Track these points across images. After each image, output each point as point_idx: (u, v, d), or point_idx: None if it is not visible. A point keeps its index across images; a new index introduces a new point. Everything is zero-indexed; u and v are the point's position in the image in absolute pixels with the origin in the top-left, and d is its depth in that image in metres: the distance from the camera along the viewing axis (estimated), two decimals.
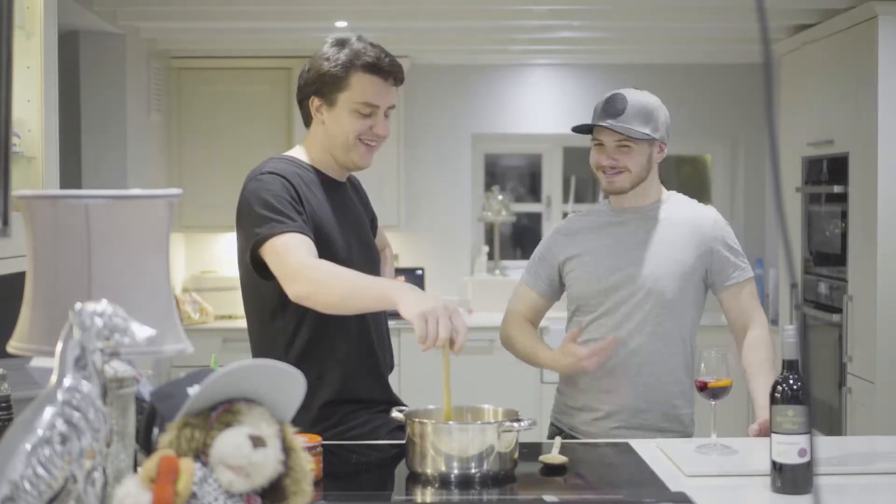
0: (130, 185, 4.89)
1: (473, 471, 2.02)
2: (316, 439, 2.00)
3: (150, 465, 1.33)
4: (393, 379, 2.56)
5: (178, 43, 5.53)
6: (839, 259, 4.46)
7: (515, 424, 2.04)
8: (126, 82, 4.91)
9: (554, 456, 2.20)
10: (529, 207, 6.36)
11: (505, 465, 2.05)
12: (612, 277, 2.60)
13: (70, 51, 4.80)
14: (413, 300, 2.04)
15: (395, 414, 2.21)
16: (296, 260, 2.18)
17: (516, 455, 2.08)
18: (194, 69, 5.73)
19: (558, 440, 2.35)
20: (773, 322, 5.38)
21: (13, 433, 1.24)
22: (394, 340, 2.62)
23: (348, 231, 2.42)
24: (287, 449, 1.41)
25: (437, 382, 2.11)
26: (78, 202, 1.40)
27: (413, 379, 5.01)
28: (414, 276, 5.81)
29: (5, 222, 2.33)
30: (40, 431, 1.23)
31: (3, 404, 1.81)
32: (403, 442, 2.13)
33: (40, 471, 1.22)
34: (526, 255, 2.83)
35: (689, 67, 6.06)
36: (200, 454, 1.36)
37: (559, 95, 6.14)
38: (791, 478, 1.94)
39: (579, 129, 2.65)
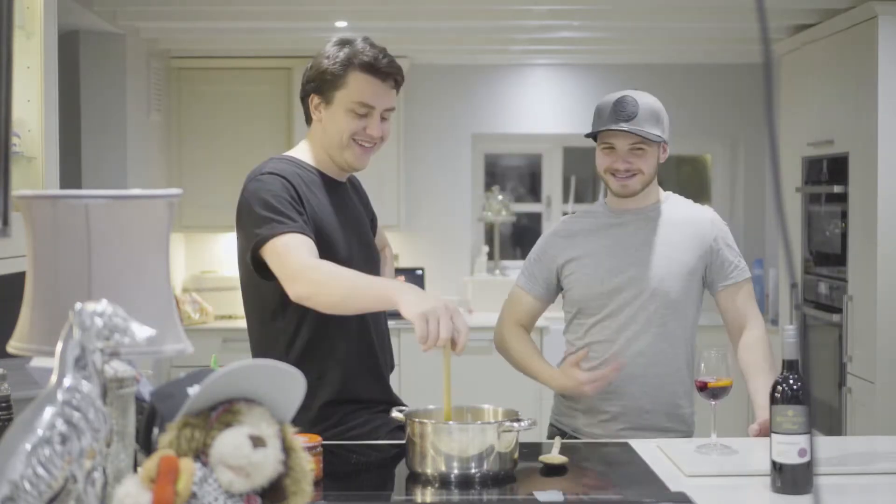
0: (130, 185, 4.89)
1: (473, 471, 2.02)
2: (316, 439, 2.00)
3: (150, 465, 1.33)
4: (393, 379, 2.56)
5: (178, 43, 5.53)
6: (839, 259, 4.46)
7: (515, 424, 2.04)
8: (126, 82, 4.91)
9: (554, 456, 2.20)
10: (529, 207, 6.36)
11: (505, 465, 2.05)
12: (615, 279, 2.60)
13: (70, 51, 4.81)
14: (413, 300, 2.04)
15: (395, 414, 2.21)
16: (297, 260, 2.18)
17: (516, 455, 2.08)
18: (194, 69, 5.73)
19: (558, 440, 2.35)
20: (773, 322, 5.38)
21: (13, 433, 1.24)
22: (394, 340, 2.62)
23: (349, 231, 2.42)
24: (287, 449, 1.41)
25: (438, 382, 2.11)
26: (78, 202, 1.40)
27: (413, 379, 5.01)
28: (414, 276, 5.81)
29: (5, 222, 2.33)
30: (40, 431, 1.23)
31: (3, 404, 1.81)
32: (403, 442, 2.13)
33: (40, 471, 1.22)
34: (526, 255, 2.81)
35: (689, 67, 6.06)
36: (200, 454, 1.36)
37: (559, 95, 6.14)
38: (791, 478, 1.94)
39: (592, 134, 2.62)
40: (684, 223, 2.66)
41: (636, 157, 2.57)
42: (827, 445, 2.43)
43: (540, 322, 5.16)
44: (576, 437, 2.63)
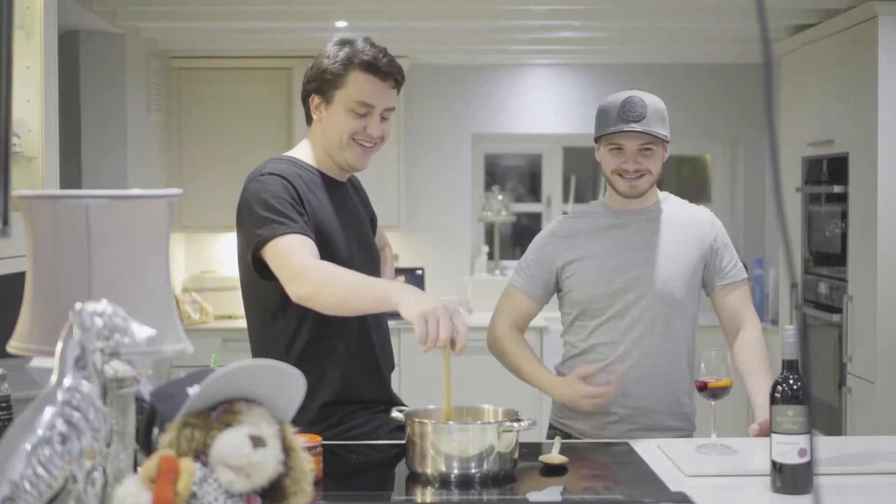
0: (130, 185, 4.89)
1: (473, 471, 2.02)
2: (316, 439, 2.00)
3: (150, 465, 1.33)
4: (393, 379, 2.56)
5: (178, 43, 5.53)
6: (839, 259, 4.46)
7: (515, 424, 2.04)
8: (126, 82, 4.91)
9: (554, 456, 2.20)
10: (529, 207, 6.37)
11: (505, 465, 2.05)
12: (620, 280, 2.59)
13: (70, 51, 4.81)
14: (413, 301, 2.04)
15: (395, 414, 2.21)
16: (297, 261, 2.18)
17: (516, 455, 2.08)
18: (194, 69, 5.73)
19: (558, 440, 2.35)
20: (773, 322, 5.38)
21: (13, 433, 1.24)
22: (394, 340, 2.62)
23: (349, 231, 2.42)
24: (287, 449, 1.41)
25: (437, 382, 2.11)
26: (78, 202, 1.40)
27: (413, 379, 5.01)
28: (414, 276, 5.81)
29: (5, 222, 2.33)
30: (40, 431, 1.23)
31: (3, 404, 1.81)
32: (403, 442, 2.13)
33: (40, 471, 1.22)
34: None
35: (689, 67, 6.06)
36: (200, 454, 1.36)
37: (559, 95, 6.14)
38: (791, 478, 1.94)
39: (599, 135, 2.61)
40: (685, 223, 2.66)
41: (645, 158, 2.56)
42: (827, 445, 2.43)
43: (539, 322, 5.23)
44: (578, 439, 2.62)
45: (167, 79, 5.67)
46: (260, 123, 5.70)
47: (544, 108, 6.14)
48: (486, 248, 6.14)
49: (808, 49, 4.77)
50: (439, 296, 2.26)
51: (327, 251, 2.28)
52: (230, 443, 1.34)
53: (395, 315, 2.11)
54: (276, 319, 2.36)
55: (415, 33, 5.20)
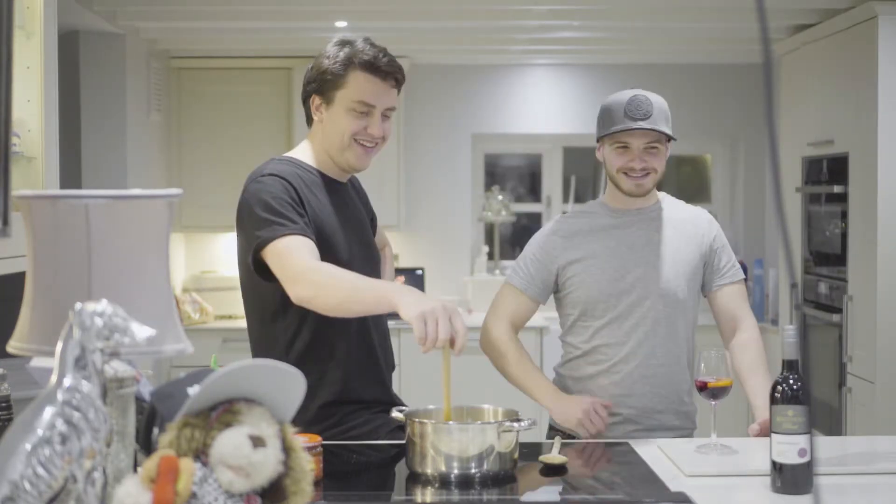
0: (130, 185, 4.89)
1: (473, 471, 2.02)
2: (316, 439, 2.00)
3: (150, 465, 1.33)
4: (393, 379, 2.56)
5: (178, 43, 5.53)
6: (839, 259, 4.46)
7: (515, 424, 2.04)
8: (126, 82, 4.91)
9: (554, 456, 2.20)
10: (529, 207, 6.37)
11: (505, 465, 2.05)
12: (622, 280, 2.58)
13: (70, 51, 4.81)
14: (412, 301, 2.04)
15: (395, 414, 2.21)
16: (298, 262, 2.18)
17: (516, 455, 2.08)
18: (194, 69, 5.73)
19: (558, 440, 2.35)
20: (773, 322, 5.38)
21: (13, 433, 1.24)
22: (394, 340, 2.62)
23: (349, 231, 2.42)
24: (287, 449, 1.41)
25: (437, 382, 2.11)
26: (78, 202, 1.40)
27: (413, 379, 5.01)
28: (414, 276, 5.81)
29: (5, 222, 2.33)
30: (40, 431, 1.23)
31: (3, 404, 1.81)
32: (403, 442, 2.13)
33: (40, 471, 1.22)
34: None
35: (689, 67, 6.06)
36: (200, 454, 1.36)
37: (559, 95, 6.14)
38: (791, 478, 1.94)
39: (605, 133, 2.61)
40: (685, 223, 2.66)
41: (651, 156, 2.56)
42: (827, 445, 2.43)
43: (539, 322, 5.23)
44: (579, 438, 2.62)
45: (167, 79, 5.67)
46: (260, 123, 5.70)
47: (544, 108, 6.14)
48: (486, 248, 6.14)
49: (808, 49, 4.77)
50: (439, 296, 2.25)
51: (328, 252, 2.28)
52: (230, 443, 1.34)
53: (395, 315, 2.11)
54: (276, 320, 2.36)
55: (415, 33, 5.20)
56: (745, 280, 2.80)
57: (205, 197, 5.52)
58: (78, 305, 1.29)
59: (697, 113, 6.05)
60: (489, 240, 6.22)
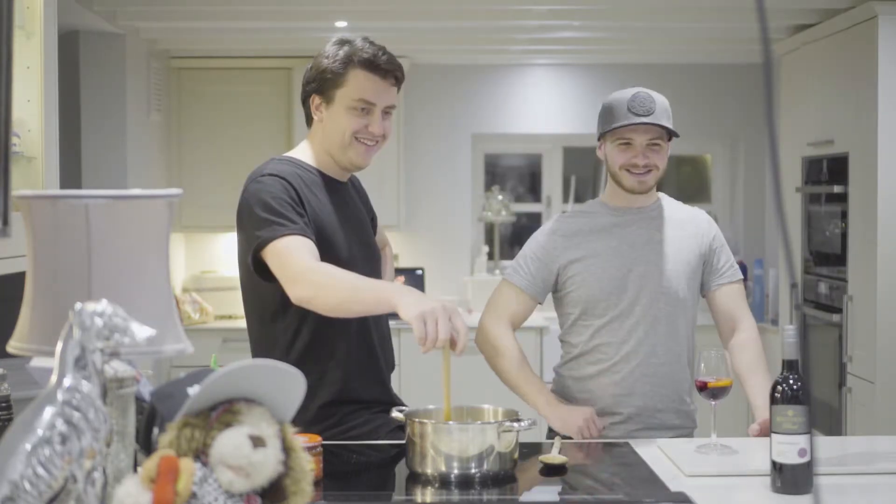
0: (130, 185, 4.89)
1: (473, 471, 2.02)
2: (316, 439, 2.00)
3: (150, 465, 1.33)
4: (393, 379, 2.56)
5: (178, 43, 5.53)
6: (839, 259, 4.46)
7: (515, 424, 2.04)
8: (126, 82, 4.91)
9: (554, 456, 2.20)
10: (529, 207, 6.37)
11: (505, 465, 2.05)
12: (623, 279, 2.58)
13: (70, 51, 4.81)
14: (412, 302, 2.04)
15: (395, 414, 2.21)
16: (298, 263, 2.18)
17: (516, 455, 2.08)
18: (194, 69, 5.73)
19: (558, 440, 2.35)
20: (773, 322, 5.38)
21: (13, 433, 1.24)
22: (394, 340, 2.62)
23: (349, 231, 2.42)
24: (287, 449, 1.41)
25: (437, 382, 2.11)
26: (78, 202, 1.40)
27: (413, 379, 5.01)
28: (414, 276, 5.81)
29: (5, 222, 2.33)
30: (40, 431, 1.23)
31: (3, 404, 1.81)
32: (403, 442, 2.13)
33: (40, 471, 1.22)
34: None
35: (689, 67, 6.06)
36: (200, 454, 1.36)
37: (559, 95, 6.14)
38: (791, 478, 1.94)
39: (609, 129, 2.60)
40: (684, 222, 2.67)
41: (653, 153, 2.57)
42: (827, 445, 2.43)
43: (539, 322, 5.22)
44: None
45: (167, 79, 5.67)
46: (260, 123, 5.70)
47: (544, 108, 6.14)
48: (486, 248, 6.14)
49: (808, 49, 4.77)
50: (439, 296, 2.26)
51: (328, 251, 2.28)
52: (230, 443, 1.34)
53: (395, 316, 2.11)
54: (276, 320, 2.36)
55: (415, 33, 5.20)
56: (745, 280, 2.80)
57: (205, 197, 5.52)
58: (78, 305, 1.29)
59: (697, 113, 6.05)
60: (489, 240, 6.22)
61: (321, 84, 2.38)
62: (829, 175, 4.55)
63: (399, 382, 4.82)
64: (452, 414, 2.12)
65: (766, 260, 5.85)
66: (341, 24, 4.83)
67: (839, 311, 4.40)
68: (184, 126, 5.73)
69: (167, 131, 5.67)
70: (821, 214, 4.66)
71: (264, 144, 5.49)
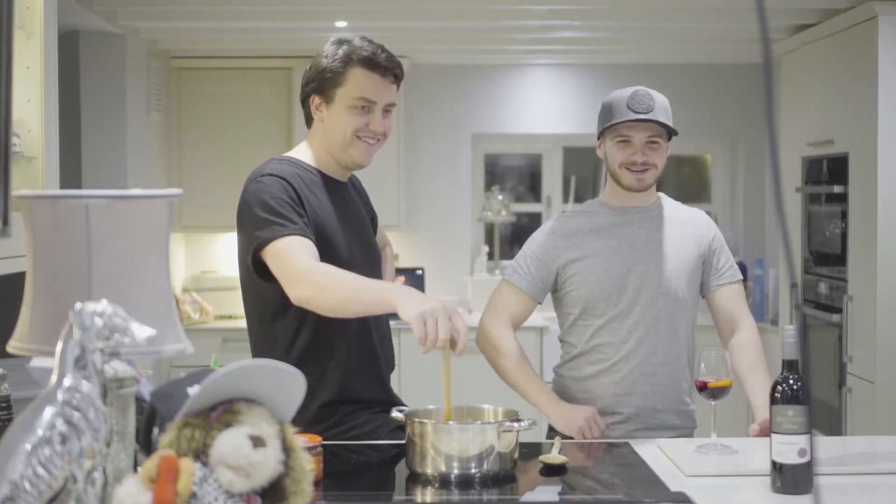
0: (130, 185, 4.89)
1: (473, 471, 2.02)
2: (316, 439, 2.00)
3: (150, 465, 1.33)
4: (393, 379, 2.56)
5: (178, 43, 5.53)
6: (839, 259, 4.46)
7: (515, 424, 2.04)
8: (126, 82, 4.91)
9: (554, 456, 2.20)
10: (529, 207, 6.37)
11: (505, 465, 2.05)
12: (624, 278, 2.58)
13: (70, 51, 4.81)
14: (412, 302, 2.04)
15: (395, 414, 2.21)
16: (297, 263, 2.18)
17: (516, 455, 2.08)
18: (194, 69, 5.73)
19: (558, 440, 2.35)
20: (773, 322, 5.38)
21: (13, 433, 1.24)
22: (394, 340, 2.62)
23: (349, 231, 2.42)
24: (287, 449, 1.41)
25: (437, 382, 2.11)
26: (78, 202, 1.40)
27: (413, 379, 5.01)
28: (414, 276, 5.81)
29: (5, 222, 2.33)
30: (40, 431, 1.23)
31: (3, 404, 1.81)
32: (403, 442, 2.13)
33: (40, 471, 1.22)
34: None
35: (689, 67, 6.06)
36: (200, 454, 1.36)
37: (559, 95, 6.14)
38: (791, 478, 1.94)
39: (609, 125, 2.60)
40: (684, 222, 2.67)
41: (652, 151, 2.57)
42: (827, 445, 2.43)
43: (539, 322, 5.22)
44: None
45: (167, 79, 5.67)
46: (260, 123, 5.70)
47: (544, 108, 6.14)
48: (486, 248, 6.14)
49: (808, 49, 4.77)
50: (439, 296, 2.26)
51: (328, 251, 2.28)
52: (230, 443, 1.34)
53: (395, 316, 2.11)
54: (276, 320, 2.36)
55: (415, 33, 5.20)
56: (745, 280, 2.81)
57: (205, 197, 5.52)
58: (78, 305, 1.29)
59: (697, 113, 6.05)
60: (489, 240, 6.22)
61: (321, 84, 2.38)
62: (829, 175, 4.55)
63: (399, 382, 4.82)
64: (452, 414, 2.12)
65: (766, 260, 5.85)
66: (341, 24, 4.83)
67: (839, 311, 4.40)
68: (184, 126, 5.73)
69: (167, 131, 5.67)
70: (821, 214, 4.66)
71: (264, 144, 5.49)
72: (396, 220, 5.71)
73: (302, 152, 2.46)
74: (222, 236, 5.91)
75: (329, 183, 2.43)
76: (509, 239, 6.43)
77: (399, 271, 5.58)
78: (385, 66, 2.37)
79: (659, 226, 2.64)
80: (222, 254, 5.95)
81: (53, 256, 1.42)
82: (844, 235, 4.39)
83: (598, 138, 2.64)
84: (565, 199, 6.26)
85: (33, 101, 2.75)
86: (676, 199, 2.76)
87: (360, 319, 2.37)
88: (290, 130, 5.61)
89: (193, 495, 1.33)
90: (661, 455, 2.26)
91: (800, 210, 4.84)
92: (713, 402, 2.30)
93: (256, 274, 2.28)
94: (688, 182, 6.62)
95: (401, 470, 2.14)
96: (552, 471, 2.16)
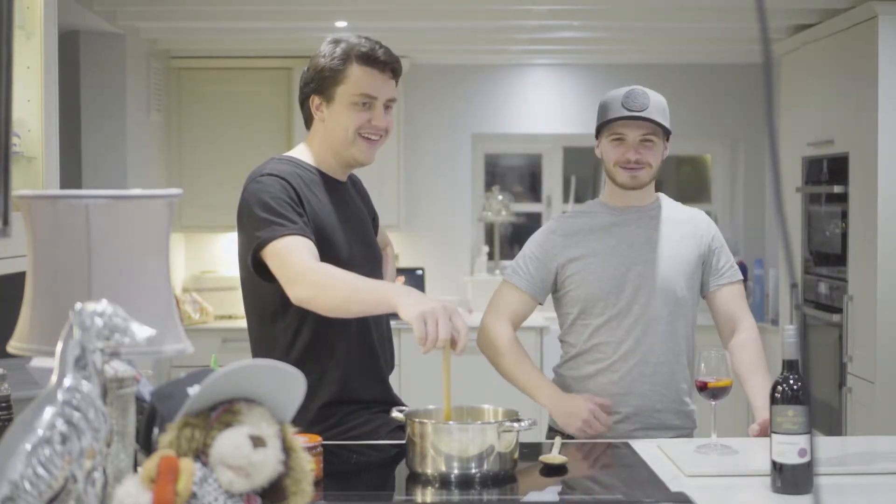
0: (130, 185, 4.89)
1: (473, 471, 2.02)
2: (316, 439, 2.00)
3: (150, 465, 1.33)
4: (393, 379, 2.56)
5: (178, 43, 5.53)
6: (839, 259, 4.46)
7: (515, 424, 2.04)
8: (126, 82, 4.91)
9: (554, 456, 2.20)
10: (529, 207, 6.37)
11: (505, 465, 2.05)
12: (623, 278, 2.59)
13: (70, 51, 4.81)
14: (412, 302, 2.04)
15: (395, 414, 2.21)
16: (297, 263, 2.18)
17: (516, 455, 2.08)
18: (194, 69, 5.73)
19: (558, 440, 2.35)
20: (773, 322, 5.38)
21: (13, 433, 1.24)
22: (394, 340, 2.62)
23: (349, 231, 2.42)
24: (287, 449, 1.41)
25: (437, 382, 2.11)
26: (78, 202, 1.40)
27: (413, 379, 5.01)
28: (414, 276, 5.81)
29: (5, 222, 2.33)
30: (40, 431, 1.23)
31: (3, 404, 1.81)
32: (403, 442, 2.13)
33: (40, 471, 1.22)
34: None
35: (689, 67, 6.06)
36: (200, 454, 1.36)
37: (559, 95, 6.14)
38: (791, 478, 1.94)
39: (605, 122, 2.60)
40: (683, 222, 2.67)
41: (646, 149, 2.58)
42: (827, 445, 2.43)
43: (539, 322, 5.23)
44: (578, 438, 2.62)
45: (167, 79, 5.67)
46: (260, 123, 5.70)
47: (544, 108, 6.14)
48: (486, 248, 6.14)
49: (808, 49, 4.77)
50: (439, 296, 2.26)
51: (328, 251, 2.28)
52: (230, 443, 1.34)
53: (395, 316, 2.11)
54: (276, 320, 2.36)
55: (415, 33, 5.20)
56: (745, 280, 2.80)
57: (205, 197, 5.52)
58: (78, 305, 1.29)
59: (697, 113, 6.05)
60: (489, 240, 6.22)
61: (320, 83, 2.38)
62: (829, 175, 4.55)
63: (399, 382, 4.83)
64: (452, 414, 2.12)
65: (766, 260, 5.85)
66: (341, 24, 4.83)
67: (839, 311, 4.40)
68: (184, 126, 5.73)
69: (167, 131, 5.67)
70: (821, 214, 4.66)
71: (264, 144, 5.49)
72: (396, 220, 5.71)
73: (301, 153, 2.45)
74: (222, 236, 5.91)
75: (329, 182, 2.43)
76: (509, 239, 6.43)
77: (399, 271, 5.56)
78: (384, 60, 2.37)
79: (658, 226, 2.64)
80: (222, 254, 5.95)
81: (53, 256, 1.42)
82: (844, 235, 4.39)
83: (596, 138, 2.65)
84: (565, 199, 6.26)
85: (33, 101, 2.75)
86: (676, 199, 2.77)
87: (360, 319, 2.37)
88: (290, 130, 5.62)
89: (193, 495, 1.33)
90: (661, 455, 2.26)
91: (800, 210, 4.84)
92: (713, 403, 2.30)
93: (256, 274, 2.28)
94: (688, 182, 6.62)
95: (401, 470, 2.14)
96: (552, 471, 2.16)
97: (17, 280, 1.75)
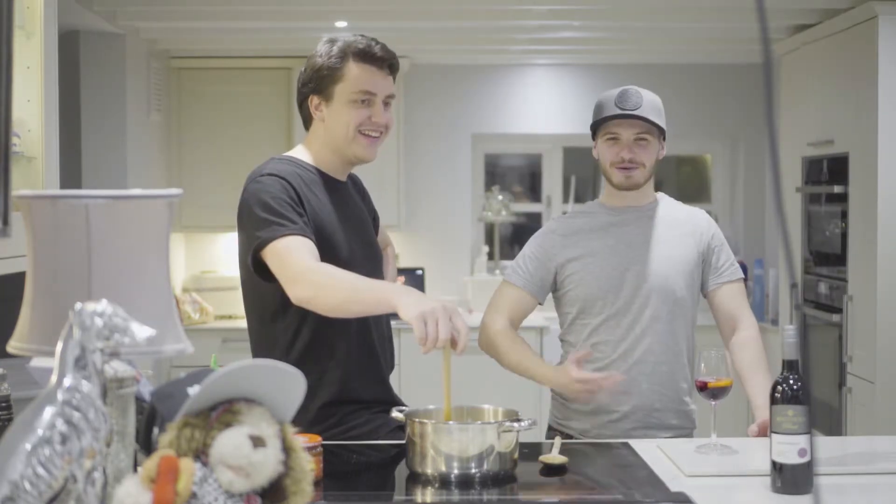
0: (130, 185, 4.89)
1: (473, 471, 2.02)
2: (316, 439, 2.00)
3: (150, 465, 1.33)
4: (393, 379, 2.56)
5: (178, 43, 5.53)
6: (839, 259, 4.46)
7: (515, 424, 2.04)
8: (126, 82, 4.91)
9: (554, 456, 2.20)
10: (529, 207, 6.37)
11: (505, 465, 2.05)
12: (621, 277, 2.59)
13: (70, 51, 4.81)
14: (412, 302, 2.04)
15: (395, 414, 2.21)
16: (297, 263, 2.18)
17: (516, 455, 2.08)
18: (194, 69, 5.73)
19: (558, 440, 2.35)
20: (773, 322, 5.38)
21: (13, 433, 1.24)
22: (394, 340, 2.62)
23: (350, 230, 2.42)
24: (287, 449, 1.41)
25: (437, 382, 2.11)
26: (78, 202, 1.40)
27: (413, 379, 5.01)
28: (414, 276, 5.81)
29: (5, 222, 2.33)
30: (40, 431, 1.23)
31: (3, 404, 1.81)
32: (403, 442, 2.13)
33: (40, 471, 1.22)
34: None
35: (689, 67, 6.06)
36: (200, 454, 1.36)
37: (559, 95, 6.14)
38: (791, 478, 1.94)
39: (600, 121, 2.61)
40: (682, 222, 2.67)
41: (640, 149, 2.58)
42: (827, 445, 2.43)
43: (539, 322, 5.23)
44: (578, 439, 2.62)
45: (167, 79, 5.67)
46: (260, 123, 5.70)
47: (544, 108, 6.14)
48: (486, 248, 6.14)
49: (808, 49, 4.77)
50: (439, 296, 2.26)
51: (328, 251, 2.28)
52: (230, 443, 1.34)
53: (395, 316, 2.11)
54: (276, 320, 2.36)
55: (415, 33, 5.20)
56: (745, 280, 2.80)
57: (205, 197, 5.52)
58: (78, 305, 1.29)
59: (697, 113, 6.05)
60: (489, 240, 6.22)
61: (319, 83, 2.38)
62: (829, 175, 4.55)
63: (399, 382, 4.83)
64: (452, 414, 2.12)
65: (766, 260, 5.85)
66: (341, 24, 4.83)
67: (839, 311, 4.40)
68: (184, 126, 5.73)
69: (167, 131, 5.67)
70: (821, 214, 4.66)
71: (264, 144, 5.49)
72: (396, 219, 5.71)
73: (301, 153, 2.45)
74: (222, 236, 5.91)
75: (329, 182, 2.43)
76: (509, 239, 6.43)
77: (399, 271, 5.56)
78: (381, 56, 2.37)
79: (657, 225, 2.65)
80: (222, 254, 5.95)
81: (53, 256, 1.42)
82: (844, 235, 4.39)
83: (593, 139, 2.66)
84: (565, 200, 6.26)
85: (33, 101, 2.75)
86: (676, 199, 2.77)
87: (360, 319, 2.37)
88: (290, 130, 5.62)
89: (193, 495, 1.33)
90: (660, 455, 2.26)
91: (800, 210, 4.84)
92: (713, 402, 2.30)
93: (256, 274, 2.28)
94: (688, 182, 6.62)
95: (401, 470, 2.14)
96: (552, 471, 2.15)
97: (17, 280, 1.75)
